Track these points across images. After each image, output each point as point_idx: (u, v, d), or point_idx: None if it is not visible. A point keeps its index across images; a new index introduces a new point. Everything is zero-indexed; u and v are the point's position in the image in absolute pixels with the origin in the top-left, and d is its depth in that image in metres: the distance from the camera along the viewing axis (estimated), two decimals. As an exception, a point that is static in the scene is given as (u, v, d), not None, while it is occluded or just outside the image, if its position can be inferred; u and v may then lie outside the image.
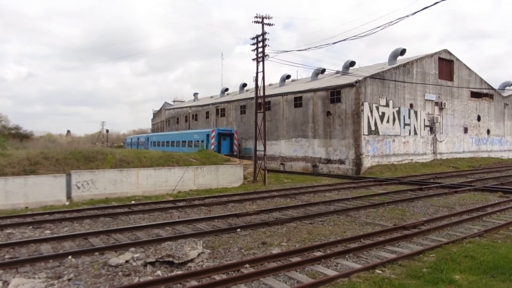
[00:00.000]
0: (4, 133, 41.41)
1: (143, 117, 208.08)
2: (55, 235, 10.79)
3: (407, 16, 16.86)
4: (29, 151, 21.31)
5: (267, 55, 24.89)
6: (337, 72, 36.97)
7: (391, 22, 16.88)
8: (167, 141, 47.62)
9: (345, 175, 29.36)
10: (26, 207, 16.00)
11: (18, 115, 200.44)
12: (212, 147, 36.62)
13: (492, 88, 44.31)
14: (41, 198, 16.58)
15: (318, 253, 8.81)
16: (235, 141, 38.93)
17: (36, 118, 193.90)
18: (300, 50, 44.87)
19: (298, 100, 35.17)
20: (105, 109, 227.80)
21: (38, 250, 9.48)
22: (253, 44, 25.27)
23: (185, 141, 43.02)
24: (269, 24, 24.63)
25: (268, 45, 24.92)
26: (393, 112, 32.63)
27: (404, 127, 33.56)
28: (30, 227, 12.18)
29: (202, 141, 38.98)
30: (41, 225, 12.37)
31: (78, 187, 17.84)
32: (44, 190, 16.71)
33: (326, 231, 11.29)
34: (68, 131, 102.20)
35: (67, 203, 16.92)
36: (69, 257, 8.79)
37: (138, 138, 60.42)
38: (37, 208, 15.92)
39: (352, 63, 37.60)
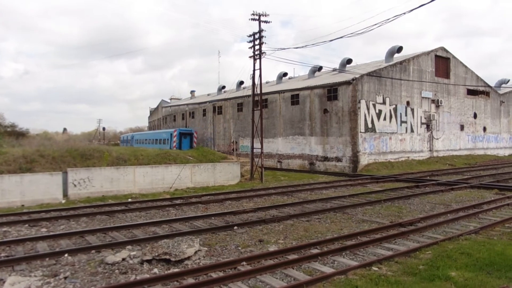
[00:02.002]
0: (-1, 131, 41.18)
1: (141, 114, 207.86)
2: (51, 233, 10.74)
3: (404, 13, 16.82)
4: (25, 149, 21.21)
5: (264, 52, 24.85)
6: (334, 70, 36.98)
7: (388, 19, 16.88)
8: (145, 139, 53.42)
9: (342, 172, 29.41)
10: (22, 205, 15.95)
11: (15, 112, 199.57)
12: (174, 144, 42.67)
13: (488, 86, 44.46)
14: (37, 196, 16.53)
15: (314, 251, 8.83)
16: (195, 139, 45.15)
17: (33, 116, 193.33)
18: (297, 48, 44.62)
19: (295, 98, 35.17)
20: (103, 106, 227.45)
21: (34, 248, 9.44)
22: (250, 41, 25.22)
23: (157, 139, 48.57)
24: (266, 22, 24.59)
25: (265, 43, 24.92)
26: (390, 110, 32.69)
27: (400, 125, 33.63)
28: (26, 225, 12.12)
29: (168, 139, 44.68)
30: (37, 223, 12.32)
31: (75, 185, 17.79)
32: (40, 188, 16.65)
33: (323, 228, 11.31)
34: (65, 129, 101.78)
35: (63, 201, 16.87)
36: (66, 255, 8.76)
37: (127, 137, 66.35)
38: (33, 206, 15.87)
39: (349, 61, 37.65)
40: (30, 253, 9.01)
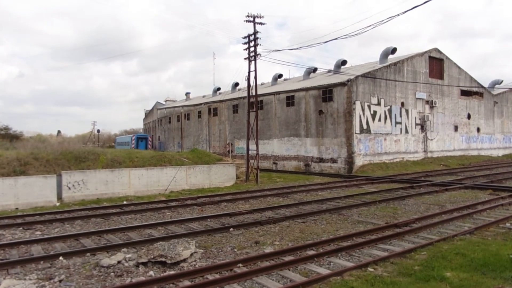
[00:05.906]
0: (-7, 134, 40.89)
1: (136, 116, 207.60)
2: (46, 236, 10.68)
3: (398, 15, 16.93)
4: (19, 152, 21.09)
5: (259, 54, 24.87)
6: (329, 71, 37.09)
7: (382, 21, 16.97)
8: (122, 142, 65.90)
9: (337, 173, 29.47)
10: (16, 208, 15.83)
11: (8, 115, 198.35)
12: (133, 145, 55.77)
13: (482, 87, 44.78)
14: (32, 199, 16.40)
15: (310, 252, 8.84)
16: (149, 142, 59.99)
17: (26, 118, 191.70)
18: (292, 49, 44.91)
19: (290, 99, 35.22)
20: (98, 109, 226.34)
21: (29, 251, 9.39)
22: (245, 43, 25.23)
23: (126, 142, 62.20)
24: (260, 23, 24.62)
25: (260, 44, 24.92)
26: (385, 111, 32.82)
27: (395, 126, 33.77)
28: (21, 228, 12.04)
29: (129, 142, 58.44)
30: (32, 226, 12.25)
31: (69, 188, 17.69)
32: (35, 191, 16.52)
33: (318, 229, 11.33)
34: (59, 132, 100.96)
35: (57, 204, 16.77)
36: (60, 258, 8.71)
37: (115, 140, 79.06)
38: (27, 209, 15.75)
39: (344, 62, 37.79)
40: (25, 256, 8.95)
